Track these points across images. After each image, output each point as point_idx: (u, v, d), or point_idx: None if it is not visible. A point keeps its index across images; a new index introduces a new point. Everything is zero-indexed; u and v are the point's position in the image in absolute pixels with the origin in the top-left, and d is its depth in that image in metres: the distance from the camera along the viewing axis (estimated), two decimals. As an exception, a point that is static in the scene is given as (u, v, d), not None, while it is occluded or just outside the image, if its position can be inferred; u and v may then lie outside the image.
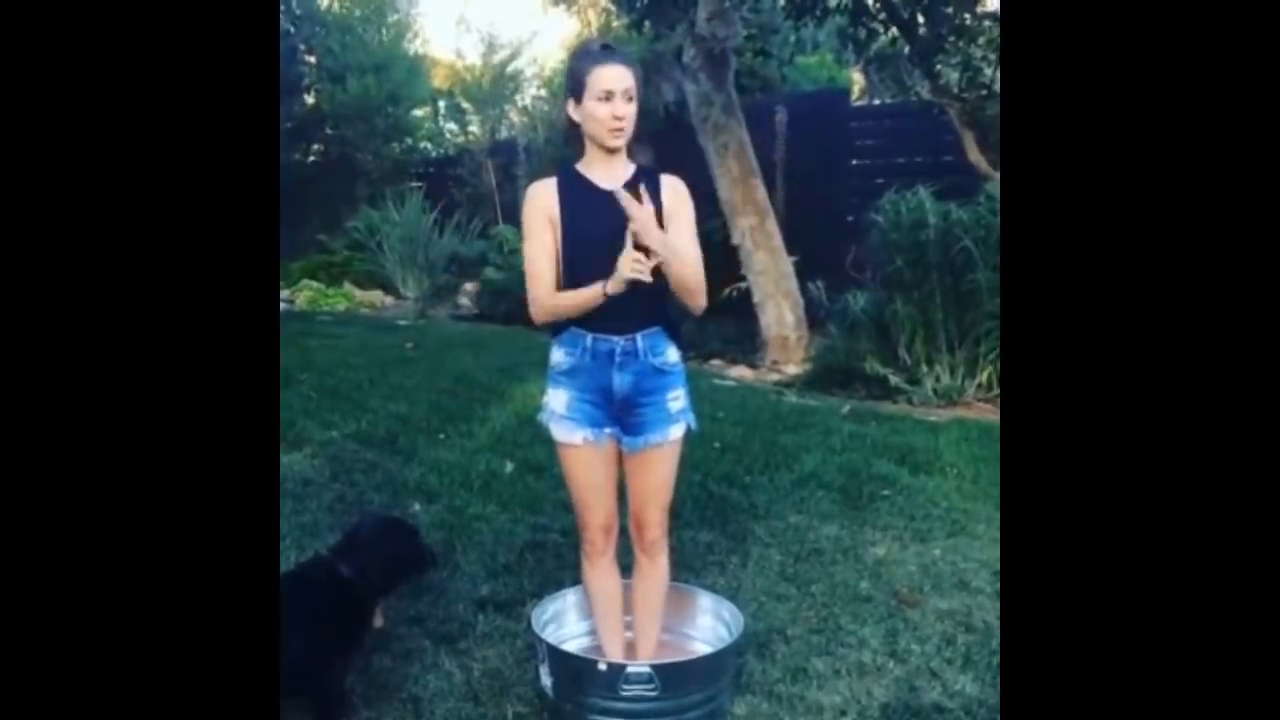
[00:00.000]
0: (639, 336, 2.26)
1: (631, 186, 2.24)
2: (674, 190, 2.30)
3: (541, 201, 2.28)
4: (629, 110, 2.19)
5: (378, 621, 2.49)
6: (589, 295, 2.18)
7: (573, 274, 2.27)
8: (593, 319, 2.25)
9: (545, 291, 2.27)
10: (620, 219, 2.18)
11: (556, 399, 2.33)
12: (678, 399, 2.32)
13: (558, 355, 2.32)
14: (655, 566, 2.46)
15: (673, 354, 2.31)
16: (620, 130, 2.19)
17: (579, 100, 2.21)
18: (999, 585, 3.06)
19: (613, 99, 2.16)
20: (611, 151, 2.23)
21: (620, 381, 2.27)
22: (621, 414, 2.31)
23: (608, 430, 2.33)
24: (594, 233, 2.23)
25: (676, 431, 2.34)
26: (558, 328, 2.31)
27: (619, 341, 2.26)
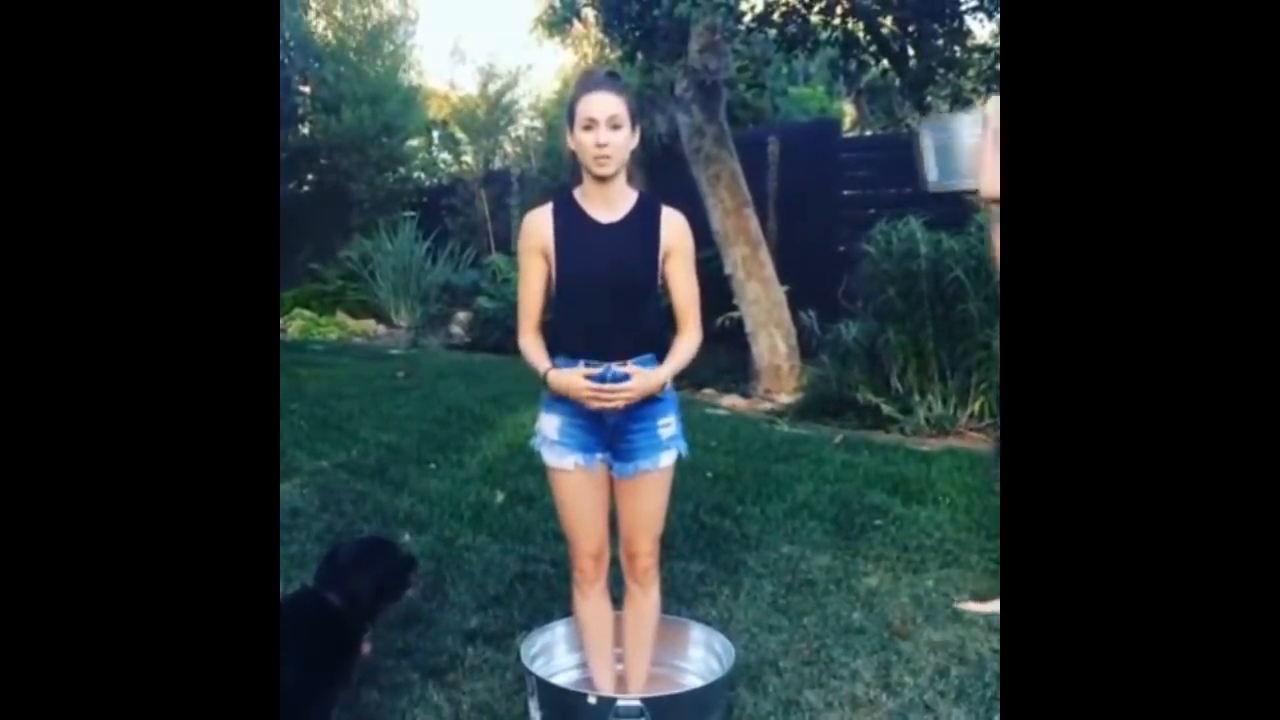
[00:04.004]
0: (631, 364, 2.26)
1: (631, 219, 2.25)
2: (672, 225, 2.29)
3: (535, 234, 2.29)
4: (613, 138, 2.18)
5: (365, 648, 2.46)
6: (537, 363, 2.28)
7: (566, 305, 2.28)
8: (585, 345, 2.26)
9: (525, 326, 2.33)
10: (614, 252, 2.20)
11: (549, 424, 2.32)
12: (669, 426, 2.32)
13: None
14: (647, 596, 2.44)
15: (665, 381, 2.30)
16: (605, 158, 2.18)
17: (571, 130, 2.22)
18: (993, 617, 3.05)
19: (595, 127, 2.17)
20: (601, 180, 2.23)
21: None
22: (613, 440, 2.31)
23: (599, 456, 2.32)
24: (588, 266, 2.24)
25: (667, 458, 2.33)
26: (551, 352, 2.31)
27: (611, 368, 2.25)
